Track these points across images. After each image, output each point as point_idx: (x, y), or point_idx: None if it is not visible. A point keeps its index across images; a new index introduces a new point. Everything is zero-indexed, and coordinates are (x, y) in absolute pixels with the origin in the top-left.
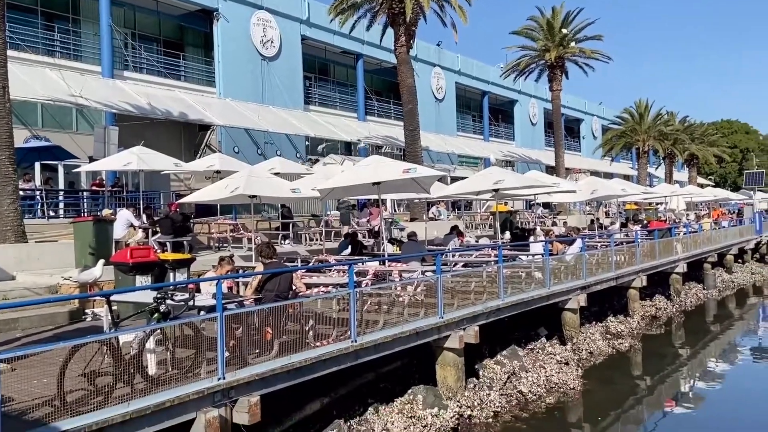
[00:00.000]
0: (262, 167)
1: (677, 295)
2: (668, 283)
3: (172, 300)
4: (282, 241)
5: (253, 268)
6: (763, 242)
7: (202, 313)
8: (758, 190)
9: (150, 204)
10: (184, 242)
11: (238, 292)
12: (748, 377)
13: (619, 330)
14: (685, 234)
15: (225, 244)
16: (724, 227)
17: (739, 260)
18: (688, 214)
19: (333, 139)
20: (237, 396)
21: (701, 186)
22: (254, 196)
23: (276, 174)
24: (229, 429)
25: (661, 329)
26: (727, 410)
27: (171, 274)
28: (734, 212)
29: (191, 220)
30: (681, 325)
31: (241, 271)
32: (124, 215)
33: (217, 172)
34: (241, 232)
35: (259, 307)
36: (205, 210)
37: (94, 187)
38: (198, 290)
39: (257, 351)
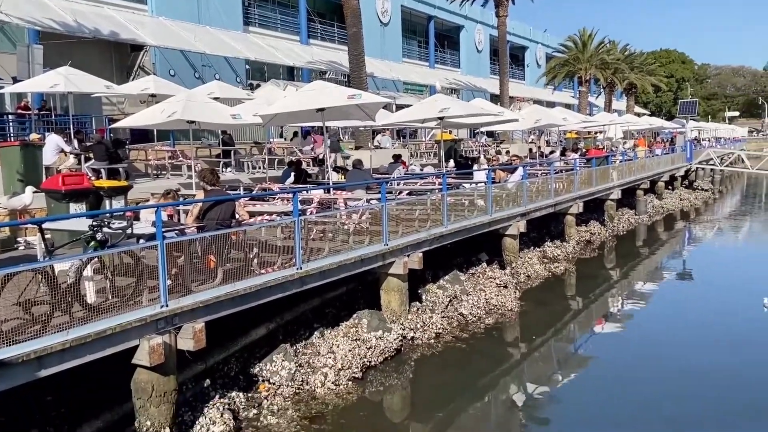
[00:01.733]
0: (200, 91)
1: (611, 220)
2: (603, 209)
3: (109, 228)
4: (224, 169)
5: (194, 195)
6: (692, 169)
7: (141, 241)
8: (691, 119)
9: (81, 129)
10: (120, 169)
11: (178, 220)
12: (671, 296)
13: (555, 254)
14: (621, 162)
15: (163, 172)
16: (657, 155)
17: (670, 187)
18: (625, 142)
19: (275, 63)
20: (181, 323)
21: (638, 115)
22: (193, 122)
23: (215, 99)
24: (173, 355)
25: (594, 253)
26: (650, 327)
27: (107, 202)
28: (667, 140)
29: (126, 146)
30: (613, 249)
31: (181, 199)
32: (54, 140)
33: (152, 95)
34: (180, 159)
35: (201, 235)
36: (141, 136)
37: (19, 111)
38: (137, 218)
39: (201, 279)
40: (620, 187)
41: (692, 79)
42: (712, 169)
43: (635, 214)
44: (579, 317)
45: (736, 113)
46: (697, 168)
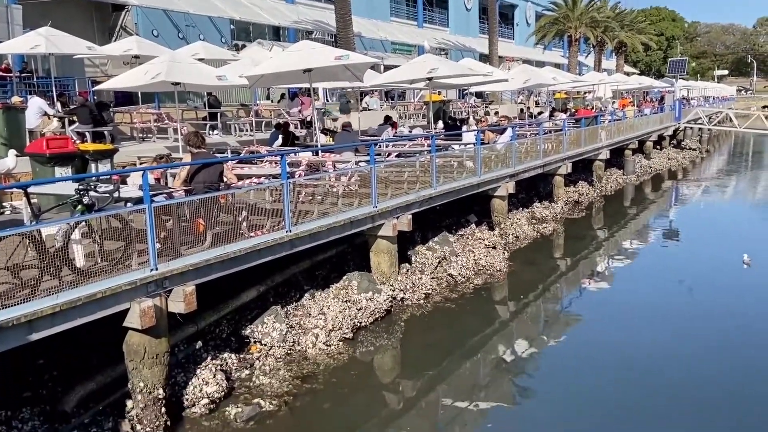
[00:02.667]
0: (184, 52)
1: (599, 180)
2: (591, 170)
3: (96, 192)
4: (210, 132)
5: (181, 159)
6: (680, 129)
7: (129, 204)
8: (680, 78)
9: (64, 91)
10: (105, 132)
11: (166, 183)
12: (657, 255)
13: (543, 215)
14: (610, 122)
15: (149, 135)
16: (646, 115)
17: (658, 146)
18: (614, 102)
19: (260, 23)
20: (171, 286)
21: (627, 74)
22: (178, 84)
23: (200, 60)
24: (165, 318)
25: (582, 213)
26: (635, 284)
27: (93, 166)
28: (656, 99)
29: (111, 109)
30: (601, 209)
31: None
32: (36, 103)
33: (136, 57)
34: (166, 122)
35: (189, 199)
36: (126, 98)
37: (0, 73)
38: (124, 182)
39: (191, 242)
40: (609, 148)
41: (682, 37)
42: (700, 129)
43: (623, 174)
44: (567, 277)
45: (725, 72)
46: (685, 127)
